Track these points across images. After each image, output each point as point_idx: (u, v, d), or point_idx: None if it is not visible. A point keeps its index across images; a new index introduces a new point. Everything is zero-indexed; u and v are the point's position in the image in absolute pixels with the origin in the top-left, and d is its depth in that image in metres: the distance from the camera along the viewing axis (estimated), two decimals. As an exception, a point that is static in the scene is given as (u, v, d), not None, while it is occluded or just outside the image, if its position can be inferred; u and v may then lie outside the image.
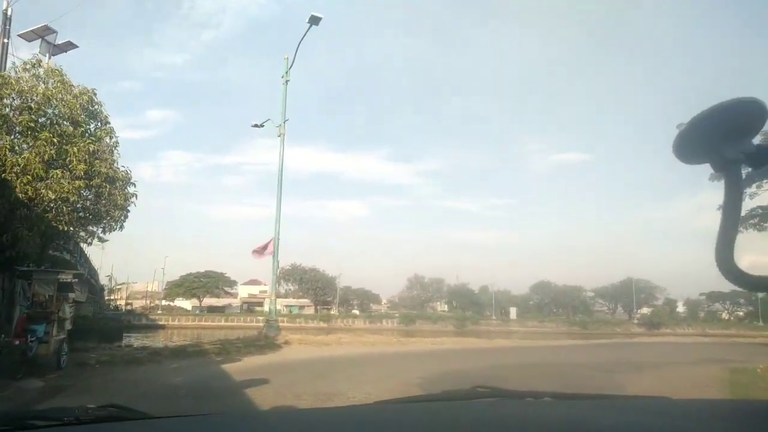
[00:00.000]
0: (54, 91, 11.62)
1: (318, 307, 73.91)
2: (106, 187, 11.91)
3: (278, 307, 29.70)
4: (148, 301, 76.89)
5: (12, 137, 11.18)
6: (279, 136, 21.95)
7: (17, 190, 10.63)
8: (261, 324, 24.05)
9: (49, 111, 11.42)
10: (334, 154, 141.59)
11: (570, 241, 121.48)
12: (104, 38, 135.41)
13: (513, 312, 73.99)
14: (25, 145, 11.25)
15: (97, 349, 15.14)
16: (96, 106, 12.75)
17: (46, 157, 10.63)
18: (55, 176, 10.82)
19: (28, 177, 10.68)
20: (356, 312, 74.79)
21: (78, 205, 11.77)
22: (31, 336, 10.78)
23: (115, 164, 12.49)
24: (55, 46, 19.25)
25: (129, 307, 69.45)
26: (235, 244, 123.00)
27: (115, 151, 12.66)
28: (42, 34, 19.15)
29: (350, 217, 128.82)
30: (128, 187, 12.92)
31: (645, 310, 76.98)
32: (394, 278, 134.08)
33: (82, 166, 11.03)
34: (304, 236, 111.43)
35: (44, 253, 13.98)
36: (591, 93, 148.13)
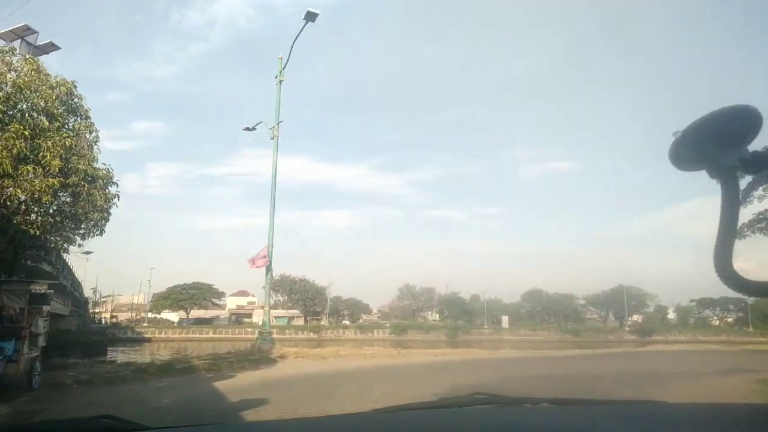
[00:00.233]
0: (27, 80, 10.47)
1: (308, 318, 72.47)
2: (84, 186, 10.70)
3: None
4: (133, 314, 74.93)
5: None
6: (272, 138, 20.91)
7: (-21, 188, 9.42)
8: (250, 336, 23.07)
9: (21, 102, 10.22)
10: (323, 164, 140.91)
11: (561, 249, 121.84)
12: (92, 48, 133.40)
13: (505, 320, 73.73)
14: (-10, 138, 10.02)
15: (78, 366, 13.93)
16: (76, 100, 11.65)
17: (15, 151, 9.36)
18: (24, 172, 9.63)
19: (-7, 173, 9.48)
20: (347, 322, 73.58)
21: (52, 208, 10.57)
22: (-3, 354, 9.61)
23: (95, 161, 11.32)
24: (35, 47, 18.26)
25: (114, 320, 67.70)
26: (223, 254, 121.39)
27: (95, 147, 11.52)
28: (22, 34, 18.10)
29: (340, 226, 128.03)
30: (110, 187, 11.79)
31: (636, 317, 77.14)
32: (384, 288, 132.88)
33: (56, 161, 9.84)
34: (293, 246, 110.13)
35: (16, 261, 12.71)
36: (581, 102, 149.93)
